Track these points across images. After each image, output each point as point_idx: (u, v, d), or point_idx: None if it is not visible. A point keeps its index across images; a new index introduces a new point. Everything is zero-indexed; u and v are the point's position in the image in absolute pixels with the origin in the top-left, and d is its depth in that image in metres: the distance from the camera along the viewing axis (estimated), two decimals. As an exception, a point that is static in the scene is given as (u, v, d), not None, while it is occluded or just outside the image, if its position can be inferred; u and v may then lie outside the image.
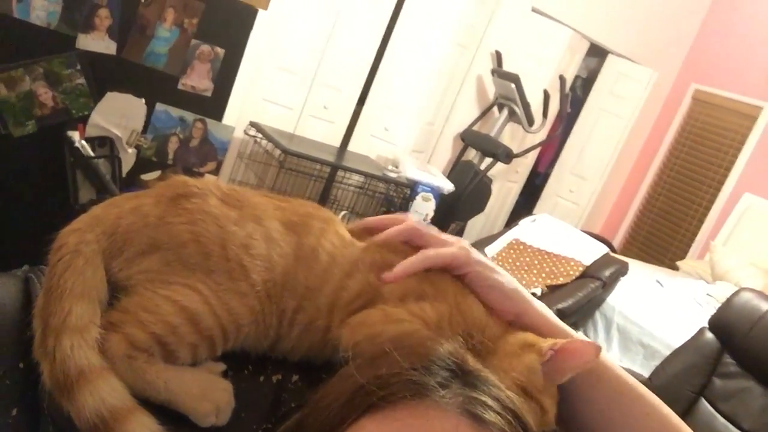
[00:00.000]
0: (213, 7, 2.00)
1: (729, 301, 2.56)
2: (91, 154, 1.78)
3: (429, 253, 0.77)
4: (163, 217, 0.70)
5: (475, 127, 5.06)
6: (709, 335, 2.56)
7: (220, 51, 2.00)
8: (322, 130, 4.39)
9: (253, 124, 3.63)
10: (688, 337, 2.57)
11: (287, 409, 0.76)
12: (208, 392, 0.67)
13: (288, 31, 3.93)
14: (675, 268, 5.01)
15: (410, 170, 4.20)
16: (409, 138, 4.64)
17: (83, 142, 1.79)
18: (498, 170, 5.10)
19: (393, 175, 4.04)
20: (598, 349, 0.69)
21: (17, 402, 0.67)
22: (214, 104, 2.07)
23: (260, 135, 3.60)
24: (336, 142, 4.50)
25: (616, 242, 6.04)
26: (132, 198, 0.73)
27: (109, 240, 0.69)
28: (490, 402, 0.59)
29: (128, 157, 1.89)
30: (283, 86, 4.09)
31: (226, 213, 0.72)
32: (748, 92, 5.35)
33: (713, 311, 2.59)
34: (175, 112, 1.99)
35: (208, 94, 2.04)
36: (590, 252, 3.90)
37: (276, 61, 3.99)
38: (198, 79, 1.99)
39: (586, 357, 0.69)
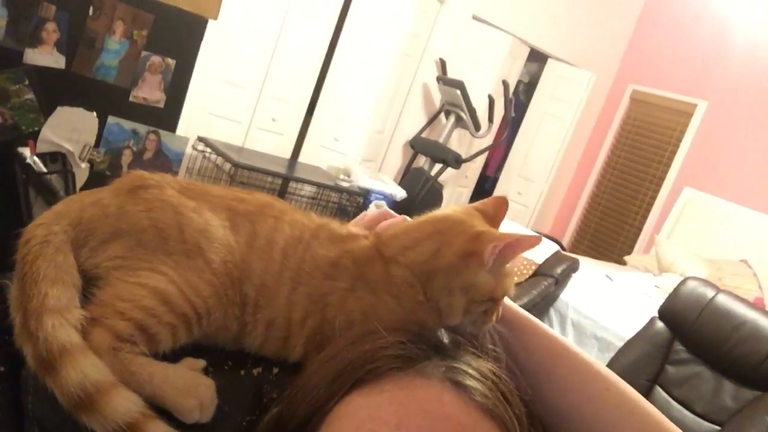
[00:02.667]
0: (162, 18, 1.98)
1: (676, 290, 2.62)
2: (44, 170, 1.74)
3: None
4: (122, 207, 0.73)
5: (424, 134, 5.13)
6: (660, 324, 2.63)
7: (171, 62, 1.99)
8: (271, 143, 4.38)
9: (201, 139, 3.60)
10: (640, 328, 2.64)
11: (269, 399, 0.77)
12: (191, 388, 0.68)
13: (233, 44, 3.92)
14: (623, 262, 5.16)
15: (362, 179, 4.22)
16: (360, 147, 4.67)
17: (35, 158, 1.75)
18: (448, 175, 5.17)
19: (345, 184, 4.06)
20: (538, 238, 0.72)
21: (0, 405, 0.67)
22: (167, 115, 2.05)
23: (209, 149, 3.58)
24: (286, 153, 4.50)
25: (565, 241, 6.20)
26: (91, 193, 0.75)
27: (75, 230, 0.71)
28: (470, 370, 0.61)
29: (81, 172, 1.86)
30: (230, 100, 4.07)
31: (183, 202, 0.75)
32: (683, 90, 5.58)
33: (662, 301, 2.67)
34: (128, 124, 1.96)
35: (161, 105, 2.02)
36: (541, 251, 3.98)
37: (222, 75, 3.97)
38: (150, 91, 1.97)
39: (529, 244, 0.73)
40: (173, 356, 0.71)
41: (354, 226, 0.84)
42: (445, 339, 0.67)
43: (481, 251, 0.71)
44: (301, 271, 0.75)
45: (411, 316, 0.72)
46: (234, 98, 4.11)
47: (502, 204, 0.81)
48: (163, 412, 0.66)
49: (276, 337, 0.75)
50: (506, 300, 0.79)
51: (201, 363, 0.72)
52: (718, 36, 5.39)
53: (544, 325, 0.78)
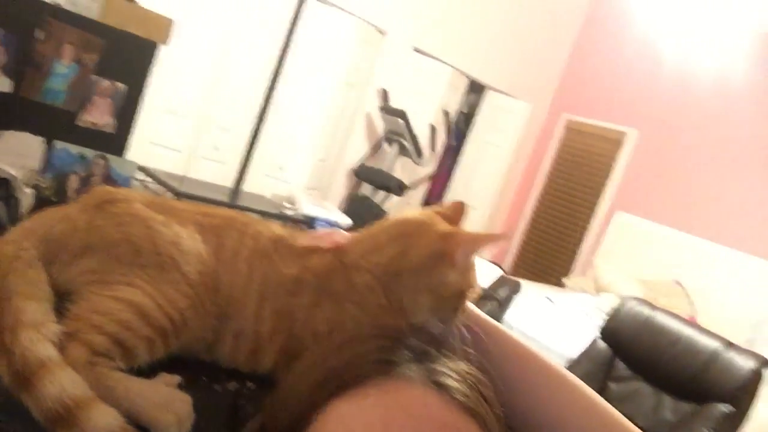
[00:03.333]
0: (113, 43, 1.96)
1: (616, 310, 2.70)
2: (-12, 195, 1.69)
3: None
4: (91, 222, 0.73)
5: (368, 162, 5.18)
6: (602, 344, 2.70)
7: (122, 86, 1.96)
8: (214, 171, 4.33)
9: (141, 168, 3.54)
10: (581, 347, 2.71)
11: (245, 413, 0.77)
12: (169, 403, 0.67)
13: (175, 72, 3.89)
14: (562, 285, 5.30)
15: (306, 207, 4.22)
16: (304, 175, 4.67)
17: (-22, 184, 1.69)
18: (392, 203, 5.22)
19: (290, 212, 4.04)
20: (505, 234, 0.76)
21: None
22: (117, 140, 2.02)
23: (150, 179, 3.52)
24: (229, 182, 4.45)
25: (506, 265, 6.32)
26: (59, 209, 0.75)
27: (45, 246, 0.70)
28: (449, 372, 0.63)
29: (27, 198, 1.80)
30: (171, 129, 4.03)
31: (152, 215, 0.75)
32: (615, 119, 5.84)
33: (601, 322, 2.74)
34: (75, 149, 1.92)
35: (110, 129, 1.99)
36: (486, 275, 4.05)
37: (164, 104, 3.93)
38: (99, 115, 1.94)
39: (494, 239, 0.79)
40: (148, 372, 0.71)
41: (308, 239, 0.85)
42: (422, 343, 0.69)
43: (452, 251, 0.74)
44: (266, 286, 0.76)
45: (377, 321, 0.74)
46: (176, 127, 4.07)
47: (460, 208, 0.83)
48: (141, 428, 0.66)
49: (245, 348, 0.76)
50: (471, 306, 0.81)
51: (176, 379, 0.72)
52: (647, 67, 5.67)
53: (508, 331, 0.81)
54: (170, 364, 0.73)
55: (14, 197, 1.73)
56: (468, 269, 0.76)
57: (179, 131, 4.11)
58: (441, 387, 0.61)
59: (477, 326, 0.79)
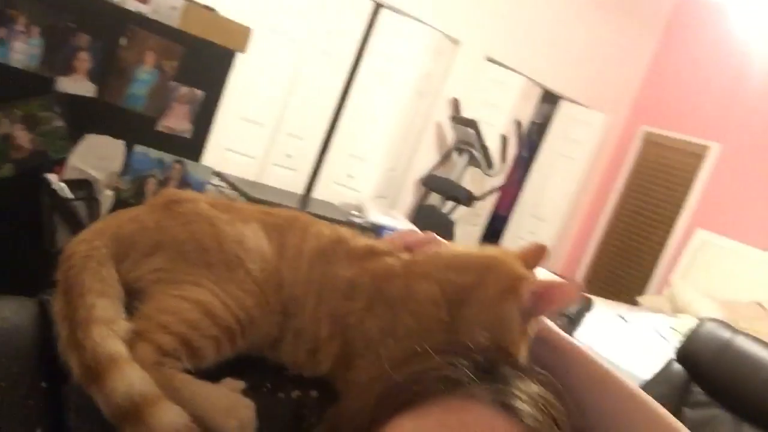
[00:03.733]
0: (192, 50, 2.02)
1: (694, 332, 2.57)
2: (69, 196, 1.76)
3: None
4: (159, 221, 0.74)
5: (436, 172, 5.15)
6: (677, 366, 2.58)
7: (200, 93, 2.02)
8: (285, 178, 4.41)
9: (216, 174, 3.64)
10: (655, 369, 2.59)
11: (308, 423, 0.76)
12: (232, 409, 0.68)
13: (251, 81, 3.99)
14: (636, 303, 5.11)
15: (374, 215, 4.23)
16: (372, 184, 4.69)
17: (61, 184, 1.76)
18: (460, 214, 5.17)
19: (357, 220, 4.06)
20: (579, 286, 0.71)
21: (41, 422, 0.66)
22: (193, 145, 2.08)
23: (224, 184, 3.61)
24: (300, 189, 4.53)
25: (577, 280, 6.15)
26: (128, 211, 0.78)
27: (115, 245, 0.72)
28: (519, 393, 0.60)
29: (106, 200, 1.88)
30: (246, 136, 4.13)
31: (217, 215, 0.77)
32: (695, 132, 5.59)
33: (677, 343, 2.63)
34: (154, 153, 1.99)
35: (188, 135, 2.05)
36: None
37: (239, 112, 4.03)
38: (177, 121, 2.00)
39: (567, 295, 0.71)
40: (213, 376, 0.71)
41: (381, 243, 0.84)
42: (490, 361, 0.66)
43: (520, 289, 0.71)
44: (323, 288, 0.76)
45: (430, 335, 0.72)
46: (250, 134, 4.16)
47: (541, 252, 0.81)
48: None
49: (304, 348, 0.76)
50: (550, 324, 0.79)
51: (241, 384, 0.72)
52: (732, 78, 5.42)
53: (589, 352, 0.77)
54: (235, 369, 0.73)
55: (95, 199, 1.81)
56: (524, 332, 0.73)
57: (253, 138, 4.20)
58: (509, 409, 0.59)
59: (553, 343, 0.76)
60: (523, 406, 0.59)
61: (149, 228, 0.74)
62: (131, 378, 0.61)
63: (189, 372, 0.68)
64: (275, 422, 0.75)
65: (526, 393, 0.61)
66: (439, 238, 0.85)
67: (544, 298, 0.71)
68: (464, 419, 0.58)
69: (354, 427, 0.62)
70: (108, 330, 0.64)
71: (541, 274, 0.79)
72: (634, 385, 0.75)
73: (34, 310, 0.72)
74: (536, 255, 0.81)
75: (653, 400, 0.74)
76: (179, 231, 0.73)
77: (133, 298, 0.71)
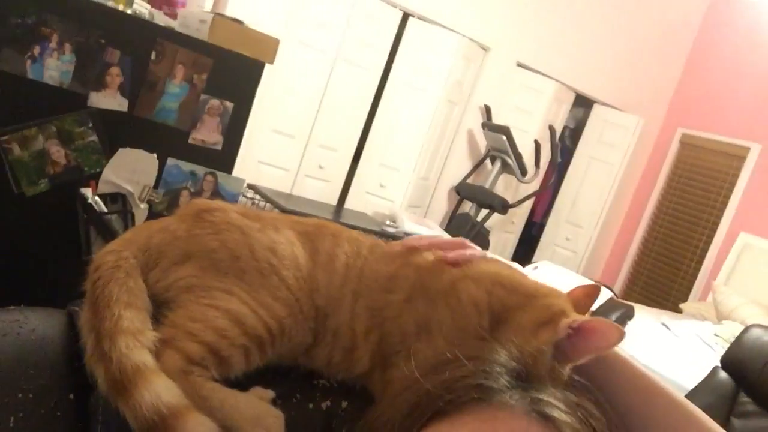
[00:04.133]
0: (221, 63, 2.04)
1: (740, 338, 2.50)
2: (104, 210, 1.78)
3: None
4: (190, 230, 0.74)
5: (469, 180, 5.12)
6: (723, 375, 2.51)
7: (229, 105, 2.03)
8: (318, 189, 4.43)
9: (250, 186, 3.67)
10: (700, 378, 2.52)
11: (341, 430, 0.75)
12: (261, 418, 0.67)
13: (282, 93, 4.02)
14: (678, 310, 4.99)
15: (408, 224, 4.21)
16: (405, 193, 4.68)
17: (96, 198, 1.79)
18: (494, 221, 5.12)
19: (391, 230, 4.05)
20: (621, 332, 0.67)
21: (69, 433, 0.66)
22: (224, 157, 2.10)
23: (258, 197, 3.64)
24: (333, 200, 4.54)
25: (617, 288, 6.03)
26: (157, 221, 0.78)
27: (144, 255, 0.72)
28: (556, 402, 0.58)
29: (140, 213, 1.90)
30: (278, 148, 4.16)
31: (247, 223, 0.76)
32: (735, 133, 5.46)
33: (722, 351, 2.55)
34: (186, 166, 2.01)
35: (219, 147, 2.06)
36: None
37: (271, 124, 4.06)
38: (208, 133, 2.02)
39: (608, 339, 0.67)
40: (242, 385, 0.70)
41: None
42: (527, 368, 0.64)
43: (558, 323, 0.69)
44: (361, 284, 0.77)
45: (462, 336, 0.70)
46: (282, 147, 4.20)
47: (594, 292, 0.79)
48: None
49: (342, 347, 0.75)
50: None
51: (270, 394, 0.71)
52: (766, 76, 5.30)
53: (632, 360, 0.74)
54: (265, 378, 0.73)
55: (129, 212, 1.83)
56: (561, 362, 0.69)
57: (286, 151, 4.24)
58: (546, 418, 0.56)
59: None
60: (561, 416, 0.57)
61: (179, 237, 0.73)
62: (158, 389, 0.60)
63: (217, 381, 0.67)
64: (305, 432, 0.74)
65: (564, 402, 0.59)
66: (469, 242, 0.84)
67: (583, 337, 0.68)
68: (499, 429, 0.55)
69: None
70: (135, 341, 0.64)
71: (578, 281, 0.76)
72: (679, 395, 0.71)
73: (63, 321, 0.72)
74: (589, 296, 0.79)
75: (699, 410, 0.71)
76: (210, 240, 0.73)
77: (161, 308, 0.71)
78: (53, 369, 0.67)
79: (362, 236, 0.83)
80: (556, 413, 0.56)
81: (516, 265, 0.86)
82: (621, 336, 0.66)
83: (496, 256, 0.87)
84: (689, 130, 5.87)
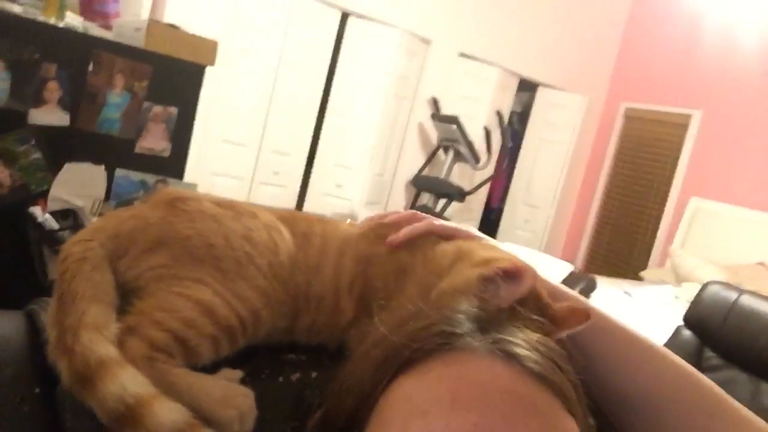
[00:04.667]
0: (161, 69, 2.02)
1: (699, 295, 2.56)
2: (56, 227, 1.75)
3: (434, 221, 0.81)
4: (164, 218, 0.73)
5: (425, 172, 5.16)
6: (687, 332, 2.56)
7: (174, 110, 2.01)
8: (274, 196, 4.42)
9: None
10: (665, 340, 2.58)
11: (312, 402, 0.75)
12: (230, 398, 0.66)
13: (228, 103, 4.00)
14: (639, 278, 5.11)
15: (368, 221, 4.22)
16: (363, 191, 4.69)
17: (47, 216, 1.75)
18: (453, 210, 5.18)
19: (352, 228, 4.05)
20: (534, 274, 0.69)
21: (37, 426, 0.65)
22: (174, 163, 2.07)
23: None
24: (290, 205, 4.53)
25: (578, 262, 6.15)
26: (129, 209, 0.76)
27: (114, 242, 0.70)
28: (518, 340, 0.59)
29: (93, 227, 1.86)
30: (230, 158, 4.13)
31: (222, 212, 0.76)
32: (676, 102, 5.62)
33: (684, 311, 2.61)
34: (136, 176, 1.98)
35: (167, 154, 2.04)
36: (557, 272, 3.95)
37: (220, 134, 4.03)
38: (154, 141, 1.99)
39: (525, 279, 0.68)
40: (211, 367, 0.70)
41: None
42: (488, 313, 0.66)
43: (490, 264, 0.70)
44: (346, 242, 0.79)
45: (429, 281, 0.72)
46: (234, 156, 4.17)
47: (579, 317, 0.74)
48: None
49: (326, 306, 0.76)
50: (549, 280, 0.79)
51: (239, 374, 0.71)
52: (701, 43, 5.46)
53: (590, 304, 0.76)
54: (231, 359, 0.72)
55: (82, 226, 1.79)
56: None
57: (238, 159, 4.21)
58: (510, 356, 0.57)
59: (555, 296, 0.75)
60: (524, 352, 0.58)
61: (152, 224, 0.72)
62: (123, 380, 0.60)
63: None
64: (278, 407, 0.74)
65: (525, 340, 0.61)
66: (421, 214, 0.86)
67: (510, 277, 0.68)
68: (466, 370, 0.57)
69: (356, 395, 0.61)
70: (98, 335, 0.63)
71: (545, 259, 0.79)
72: (639, 331, 0.74)
73: (22, 321, 0.71)
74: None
75: (657, 343, 0.73)
76: (184, 228, 0.72)
77: (130, 296, 0.70)
78: (16, 365, 0.66)
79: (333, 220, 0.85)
80: (518, 350, 0.58)
81: (492, 240, 0.88)
82: (533, 275, 0.68)
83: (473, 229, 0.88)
84: (632, 103, 6.02)
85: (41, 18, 1.89)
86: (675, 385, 0.69)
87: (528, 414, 0.55)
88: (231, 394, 0.67)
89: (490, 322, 0.62)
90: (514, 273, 0.68)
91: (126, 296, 0.69)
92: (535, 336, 0.62)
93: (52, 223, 1.73)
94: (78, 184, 1.83)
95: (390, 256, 0.78)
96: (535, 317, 0.68)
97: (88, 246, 0.69)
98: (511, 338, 0.60)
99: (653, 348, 0.72)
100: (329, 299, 0.76)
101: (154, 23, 1.96)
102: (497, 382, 0.56)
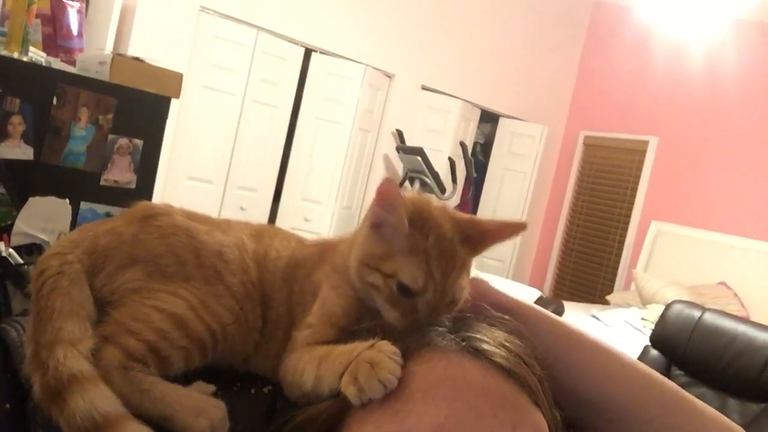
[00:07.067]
0: (126, 101, 2.02)
1: (664, 315, 2.60)
2: (20, 261, 1.72)
3: None
4: (136, 235, 0.73)
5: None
6: (654, 352, 2.60)
7: (139, 142, 2.01)
8: (242, 230, 4.39)
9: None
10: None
11: (284, 413, 0.75)
12: (203, 409, 0.66)
13: (193, 141, 4.00)
14: (606, 302, 5.18)
15: (337, 254, 4.22)
16: (330, 224, 4.70)
17: (11, 250, 1.72)
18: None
19: (321, 260, 4.04)
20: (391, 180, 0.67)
21: (7, 443, 0.65)
22: (139, 195, 2.06)
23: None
24: (258, 239, 4.51)
25: (546, 289, 6.21)
26: (103, 222, 0.76)
27: (90, 258, 0.70)
28: (484, 338, 0.62)
29: (58, 261, 1.82)
30: (196, 196, 4.11)
31: (195, 226, 0.76)
32: (633, 129, 5.79)
33: (650, 332, 2.65)
34: (101, 208, 1.96)
35: (132, 186, 2.03)
36: (524, 298, 3.98)
37: (185, 172, 4.03)
38: (120, 173, 1.98)
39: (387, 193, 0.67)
40: (184, 380, 0.70)
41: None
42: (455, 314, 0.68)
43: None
44: (297, 260, 0.78)
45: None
46: (200, 193, 4.16)
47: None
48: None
49: (282, 326, 0.75)
50: (504, 290, 0.79)
51: (211, 387, 0.71)
52: (652, 72, 5.65)
53: (544, 310, 0.78)
54: (204, 372, 0.73)
55: (46, 261, 1.75)
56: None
57: (204, 197, 4.19)
58: (478, 352, 0.60)
59: (513, 310, 0.76)
60: (491, 348, 0.61)
61: (126, 242, 0.72)
62: (93, 397, 0.59)
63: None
64: (250, 418, 0.74)
65: (492, 337, 0.63)
66: None
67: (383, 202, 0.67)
68: (436, 367, 0.59)
69: (332, 401, 0.63)
70: (73, 350, 0.62)
71: (508, 287, 0.80)
72: (599, 338, 0.75)
73: (-8, 339, 0.71)
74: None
75: (616, 348, 0.75)
76: (157, 244, 0.72)
77: (106, 308, 0.70)
78: (-16, 383, 0.66)
79: (296, 235, 0.84)
80: (486, 346, 0.60)
81: None
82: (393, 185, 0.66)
83: None
84: (591, 132, 6.18)
85: (4, 52, 1.89)
86: (638, 387, 0.70)
87: (496, 406, 0.57)
88: (203, 405, 0.67)
89: (457, 322, 0.65)
90: (382, 197, 0.67)
91: (102, 309, 0.69)
92: (501, 334, 0.64)
93: (17, 258, 1.71)
94: (42, 217, 1.80)
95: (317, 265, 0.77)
96: (499, 315, 0.70)
97: (65, 259, 0.69)
98: (478, 336, 0.62)
99: (614, 353, 0.73)
100: (284, 321, 0.76)
101: (118, 57, 1.98)
102: (467, 377, 0.58)
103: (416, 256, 0.65)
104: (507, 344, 0.63)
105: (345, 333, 0.67)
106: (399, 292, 0.65)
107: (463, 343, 0.61)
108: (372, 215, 0.68)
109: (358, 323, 0.68)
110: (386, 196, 0.66)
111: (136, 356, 0.65)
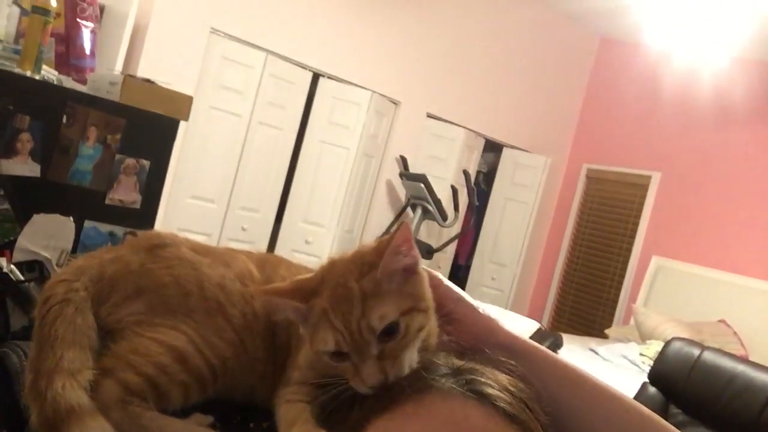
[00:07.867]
0: (134, 122, 2.04)
1: (663, 352, 2.58)
2: (21, 278, 1.72)
3: None
4: (143, 264, 0.73)
5: (393, 229, 5.19)
6: (652, 389, 2.58)
7: (146, 163, 2.03)
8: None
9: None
10: (631, 396, 2.58)
11: None
12: None
13: (198, 160, 4.02)
14: (605, 336, 5.15)
15: (337, 278, 4.20)
16: (331, 248, 4.70)
17: (12, 266, 1.72)
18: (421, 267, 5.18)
19: (320, 284, 4.03)
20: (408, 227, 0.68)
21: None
22: (144, 216, 2.07)
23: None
24: (258, 261, 4.50)
25: (544, 321, 6.18)
26: (109, 250, 0.77)
27: (96, 287, 0.71)
28: (489, 382, 0.61)
29: (59, 279, 1.82)
30: (198, 215, 4.12)
31: (199, 259, 0.76)
32: (635, 164, 5.81)
33: (648, 368, 2.62)
34: (105, 227, 1.97)
35: (137, 206, 2.04)
36: (523, 329, 3.97)
37: (189, 191, 4.04)
38: (125, 193, 1.99)
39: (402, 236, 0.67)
40: (182, 412, 0.70)
41: None
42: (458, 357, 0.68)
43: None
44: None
45: None
46: (203, 212, 4.17)
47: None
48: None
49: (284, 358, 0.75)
50: (510, 330, 0.78)
51: (209, 419, 0.71)
52: (658, 107, 5.67)
53: (552, 353, 0.77)
54: (203, 403, 0.72)
55: (47, 278, 1.75)
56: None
57: (207, 216, 4.20)
58: (481, 396, 0.60)
59: (519, 351, 0.75)
60: (495, 392, 0.60)
61: (133, 271, 0.73)
62: (90, 430, 0.60)
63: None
64: (248, 452, 0.74)
65: (496, 381, 0.62)
66: None
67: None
68: (439, 411, 0.59)
69: None
70: (72, 380, 0.63)
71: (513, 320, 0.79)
72: (601, 381, 0.75)
73: (-7, 364, 0.71)
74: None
75: (621, 392, 0.74)
76: (162, 275, 0.73)
77: (107, 339, 0.70)
78: (-17, 408, 0.66)
79: (300, 264, 0.84)
80: (489, 390, 0.60)
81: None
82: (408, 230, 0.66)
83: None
84: (593, 164, 6.20)
85: (17, 70, 1.91)
86: (628, 425, 0.70)
87: None
88: None
89: (460, 369, 0.65)
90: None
91: (105, 338, 0.69)
92: (505, 378, 0.64)
93: (17, 275, 1.71)
94: (45, 235, 1.81)
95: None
96: (504, 359, 0.70)
97: (71, 287, 0.69)
98: (482, 379, 0.62)
99: (618, 397, 0.73)
100: (287, 351, 0.76)
101: (129, 78, 2.00)
102: (469, 421, 0.58)
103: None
104: (511, 389, 0.62)
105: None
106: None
107: (467, 387, 0.61)
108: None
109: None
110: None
111: (134, 391, 0.65)
